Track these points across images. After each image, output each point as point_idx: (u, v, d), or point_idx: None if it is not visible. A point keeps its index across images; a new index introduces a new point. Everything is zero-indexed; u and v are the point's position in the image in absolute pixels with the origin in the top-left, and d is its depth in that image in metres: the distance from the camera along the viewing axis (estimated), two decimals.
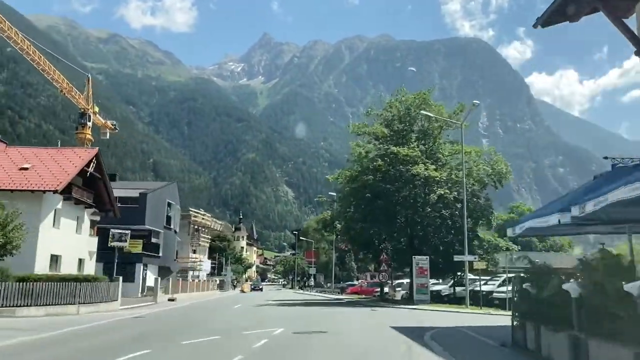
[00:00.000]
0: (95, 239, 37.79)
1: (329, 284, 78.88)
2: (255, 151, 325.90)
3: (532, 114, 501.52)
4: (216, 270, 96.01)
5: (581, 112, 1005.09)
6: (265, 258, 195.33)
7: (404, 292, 42.70)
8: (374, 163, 33.11)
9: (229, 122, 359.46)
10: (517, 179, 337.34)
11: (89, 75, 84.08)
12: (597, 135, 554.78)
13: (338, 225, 37.16)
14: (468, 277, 34.11)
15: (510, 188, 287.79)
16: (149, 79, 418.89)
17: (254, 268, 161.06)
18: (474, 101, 29.02)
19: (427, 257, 31.85)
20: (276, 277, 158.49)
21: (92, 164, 34.46)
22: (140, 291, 46.31)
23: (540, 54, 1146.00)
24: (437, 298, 32.76)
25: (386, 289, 41.49)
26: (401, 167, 32.15)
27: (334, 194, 41.39)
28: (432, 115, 31.96)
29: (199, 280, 59.71)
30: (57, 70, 74.79)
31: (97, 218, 41.15)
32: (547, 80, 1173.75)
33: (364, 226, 34.14)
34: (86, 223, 34.37)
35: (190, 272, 71.04)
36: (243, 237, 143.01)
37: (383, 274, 34.57)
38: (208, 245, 77.44)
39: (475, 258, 29.06)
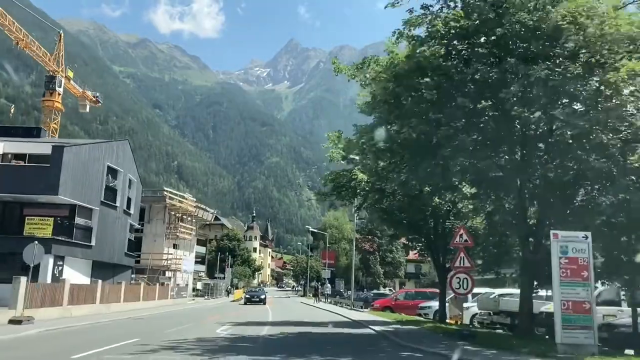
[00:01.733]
0: None
1: (349, 292, 59.09)
2: (279, 155, 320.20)
3: None
4: (217, 272, 78.28)
5: None
6: (285, 262, 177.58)
7: (480, 312, 22.95)
8: (449, 27, 13.44)
9: (254, 126, 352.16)
10: None
11: (61, 31, 66.48)
12: None
13: (360, 174, 17.63)
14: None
15: None
16: (176, 83, 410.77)
17: (268, 272, 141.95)
18: None
19: (588, 234, 12.05)
20: (290, 282, 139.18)
21: None
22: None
23: None
24: None
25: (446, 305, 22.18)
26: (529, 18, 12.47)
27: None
28: None
29: (147, 284, 40.70)
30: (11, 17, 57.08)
31: None
32: None
33: (412, 179, 14.54)
34: None
35: (170, 273, 52.55)
36: (256, 237, 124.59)
37: (462, 276, 14.73)
38: (193, 237, 58.37)
39: None
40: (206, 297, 54.78)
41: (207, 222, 64.27)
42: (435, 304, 28.44)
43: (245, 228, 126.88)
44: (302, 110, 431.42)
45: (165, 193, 50.06)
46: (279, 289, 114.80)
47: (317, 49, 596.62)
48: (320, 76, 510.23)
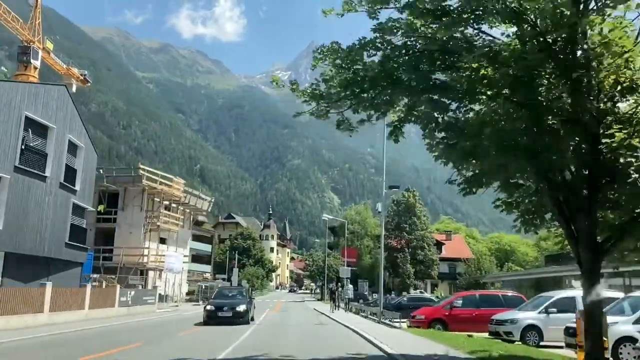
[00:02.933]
0: None
1: (374, 295, 47.38)
2: (301, 157, 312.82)
3: None
4: (225, 274, 68.17)
5: None
6: (306, 264, 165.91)
7: None
8: None
9: (275, 128, 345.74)
10: None
11: None
12: None
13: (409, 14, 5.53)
14: None
15: None
16: (198, 88, 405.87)
17: (286, 273, 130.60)
18: None
19: None
20: (311, 285, 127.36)
21: None
22: None
23: None
24: None
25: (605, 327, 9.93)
26: None
27: None
28: None
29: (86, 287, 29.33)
30: None
31: None
32: None
33: None
34: None
35: (152, 273, 41.61)
36: (273, 236, 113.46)
37: None
38: (185, 230, 47.14)
39: None
40: (199, 302, 43.54)
41: (204, 212, 53.07)
42: (522, 317, 16.53)
43: (262, 227, 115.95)
44: None
45: (142, 172, 38.99)
46: (292, 292, 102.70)
47: None
48: None
